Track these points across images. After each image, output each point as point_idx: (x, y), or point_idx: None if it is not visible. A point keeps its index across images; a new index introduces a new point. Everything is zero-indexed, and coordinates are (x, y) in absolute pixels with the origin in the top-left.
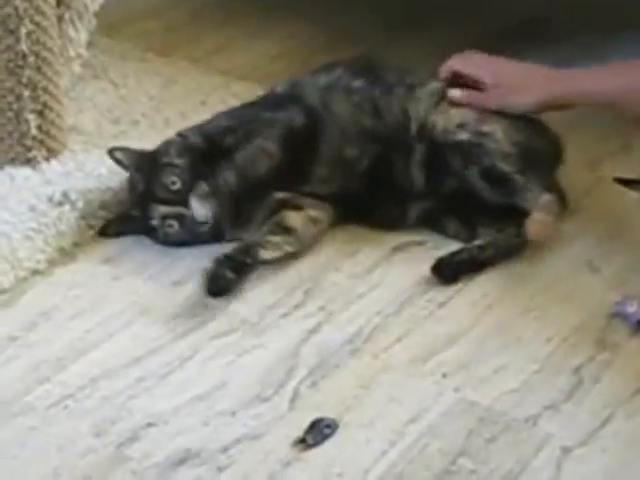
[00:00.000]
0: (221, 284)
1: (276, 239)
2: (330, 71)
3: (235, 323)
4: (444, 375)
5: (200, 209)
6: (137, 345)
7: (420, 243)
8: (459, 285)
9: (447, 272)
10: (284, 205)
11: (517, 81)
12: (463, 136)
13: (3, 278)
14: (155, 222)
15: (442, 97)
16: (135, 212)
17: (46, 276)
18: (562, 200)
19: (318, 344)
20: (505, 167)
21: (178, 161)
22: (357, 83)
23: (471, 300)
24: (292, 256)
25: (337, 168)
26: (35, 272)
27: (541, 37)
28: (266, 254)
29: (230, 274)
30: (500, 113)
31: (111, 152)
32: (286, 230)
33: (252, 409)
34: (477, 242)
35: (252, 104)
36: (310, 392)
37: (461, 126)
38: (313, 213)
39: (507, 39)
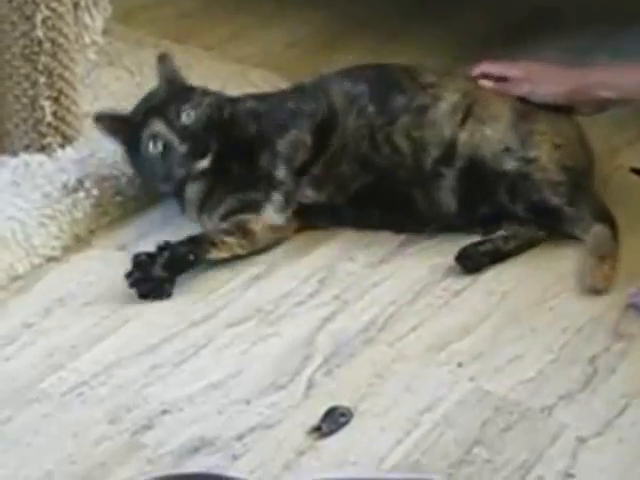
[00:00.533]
0: (149, 287)
1: (230, 240)
2: (356, 82)
3: (250, 311)
4: (459, 364)
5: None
6: (151, 333)
7: (434, 234)
8: (474, 275)
9: (470, 262)
10: (250, 205)
11: (548, 71)
12: (509, 165)
13: (18, 265)
14: (146, 134)
15: (467, 111)
16: (137, 117)
17: (61, 263)
18: (613, 225)
19: (333, 333)
20: (554, 200)
21: (202, 101)
22: (370, 108)
23: (486, 289)
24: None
25: (330, 177)
26: (50, 259)
27: (553, 27)
28: (214, 254)
29: (162, 272)
30: (540, 117)
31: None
32: (244, 232)
33: (267, 397)
34: (500, 233)
35: (279, 93)
36: (325, 381)
37: (507, 151)
38: (276, 220)
39: (519, 28)
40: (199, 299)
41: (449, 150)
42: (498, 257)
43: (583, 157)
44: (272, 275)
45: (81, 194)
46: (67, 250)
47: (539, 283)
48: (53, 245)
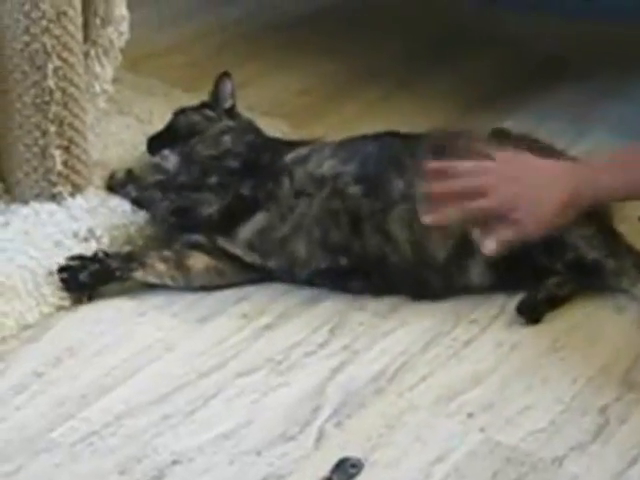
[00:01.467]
0: (74, 286)
1: (161, 268)
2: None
3: (260, 361)
4: (469, 415)
5: None
6: (162, 382)
7: None
8: (483, 325)
9: (533, 312)
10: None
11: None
12: None
13: (28, 314)
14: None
15: None
16: None
17: (70, 312)
18: None
19: (343, 383)
20: (592, 253)
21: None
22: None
23: (496, 340)
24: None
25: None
26: (60, 308)
27: (561, 75)
28: (140, 276)
29: (87, 278)
30: None
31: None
32: (180, 267)
33: (277, 448)
34: (554, 279)
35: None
36: (335, 431)
37: None
38: (221, 266)
39: (529, 77)
40: (209, 348)
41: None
42: (556, 303)
43: (606, 206)
44: (282, 325)
45: (92, 243)
46: (77, 299)
47: (549, 333)
48: (63, 295)
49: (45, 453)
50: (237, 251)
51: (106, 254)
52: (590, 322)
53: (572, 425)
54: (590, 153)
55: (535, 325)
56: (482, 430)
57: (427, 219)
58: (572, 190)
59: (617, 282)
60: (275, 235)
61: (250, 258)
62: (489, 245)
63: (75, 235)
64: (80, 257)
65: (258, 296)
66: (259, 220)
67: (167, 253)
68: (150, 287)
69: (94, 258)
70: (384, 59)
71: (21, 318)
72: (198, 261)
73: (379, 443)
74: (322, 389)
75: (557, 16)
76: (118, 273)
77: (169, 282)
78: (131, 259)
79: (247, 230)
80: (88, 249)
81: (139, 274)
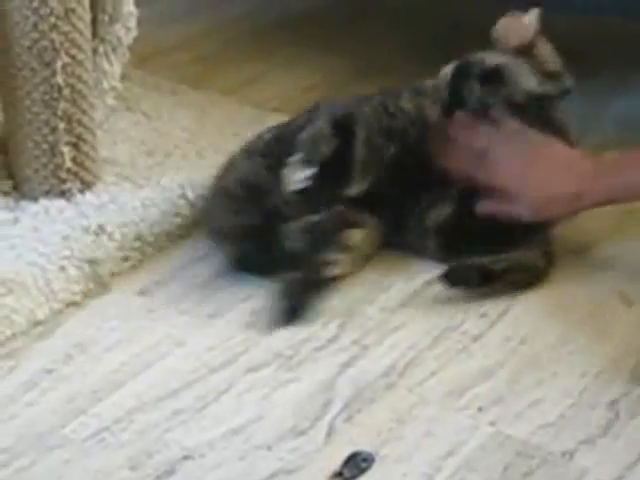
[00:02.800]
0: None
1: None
2: None
3: (269, 357)
4: (479, 409)
5: None
6: (172, 378)
7: None
8: (492, 319)
9: (456, 276)
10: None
11: (549, 193)
12: None
13: (38, 310)
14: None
15: None
16: None
17: (81, 308)
18: None
19: (353, 378)
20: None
21: None
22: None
23: (505, 334)
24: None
25: None
26: (70, 304)
27: (574, 69)
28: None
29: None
30: None
31: None
32: (349, 249)
33: (288, 443)
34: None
35: None
36: (346, 426)
37: None
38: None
39: None
40: (219, 344)
41: None
42: (487, 275)
43: None
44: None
45: (102, 239)
46: (87, 295)
47: (557, 327)
48: (73, 290)
49: (56, 449)
50: None
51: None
52: (599, 316)
53: (582, 419)
54: (598, 149)
55: (543, 319)
56: (492, 424)
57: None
58: (584, 183)
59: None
60: None
61: None
62: (482, 207)
63: (85, 231)
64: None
65: (266, 292)
66: None
67: (333, 244)
68: (157, 284)
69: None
70: (391, 54)
71: (31, 315)
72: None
73: (389, 437)
74: (332, 384)
75: (561, 13)
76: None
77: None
78: (315, 264)
79: None
80: (99, 245)
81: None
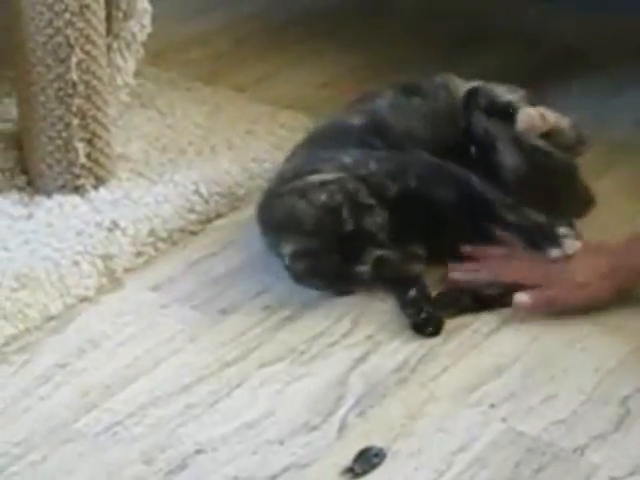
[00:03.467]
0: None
1: None
2: None
3: (282, 352)
4: (491, 405)
5: None
6: (185, 373)
7: None
8: (505, 316)
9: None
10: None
11: (587, 274)
12: None
13: (51, 305)
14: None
15: None
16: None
17: (94, 303)
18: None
19: (366, 373)
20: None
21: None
22: None
23: (517, 331)
24: None
25: None
26: (83, 299)
27: (580, 66)
28: None
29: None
30: None
31: None
32: None
33: (300, 438)
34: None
35: None
36: (358, 421)
37: None
38: None
39: (544, 69)
40: (232, 340)
41: None
42: (479, 299)
43: None
44: (305, 315)
45: (115, 234)
46: (100, 290)
47: (569, 324)
48: (87, 285)
49: (69, 443)
50: None
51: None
52: (612, 313)
53: (593, 415)
54: (615, 143)
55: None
56: (504, 420)
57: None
58: (616, 262)
59: None
60: None
61: None
62: (523, 298)
63: (98, 227)
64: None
65: (279, 288)
66: None
67: None
68: (170, 280)
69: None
70: (404, 52)
71: (45, 309)
72: None
73: (401, 433)
74: (345, 379)
75: (573, 9)
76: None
77: None
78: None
79: None
80: (112, 240)
81: None
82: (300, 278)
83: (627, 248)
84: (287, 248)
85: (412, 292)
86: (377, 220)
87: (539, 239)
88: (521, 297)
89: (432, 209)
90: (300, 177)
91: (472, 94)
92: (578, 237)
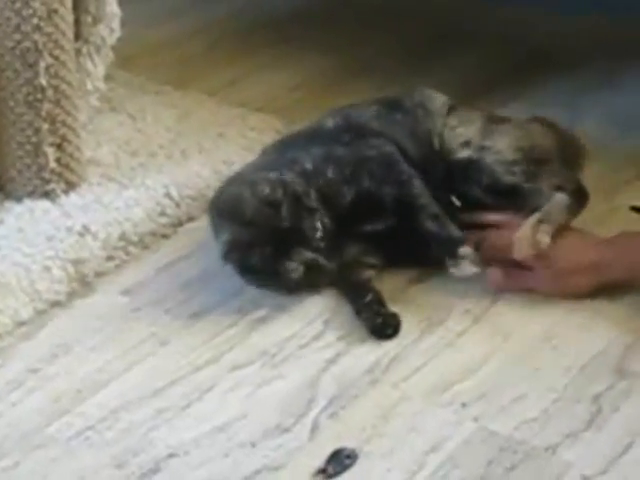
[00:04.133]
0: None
1: None
2: None
3: (254, 355)
4: (463, 405)
5: None
6: (156, 377)
7: (436, 274)
8: (476, 315)
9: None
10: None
11: (570, 262)
12: (464, 154)
13: (22, 310)
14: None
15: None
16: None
17: (65, 308)
18: (578, 197)
19: (337, 374)
20: (508, 178)
21: None
22: None
23: (489, 330)
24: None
25: None
26: (54, 304)
27: (549, 67)
28: None
29: None
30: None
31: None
32: None
33: (272, 440)
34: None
35: None
36: (330, 422)
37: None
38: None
39: (522, 69)
40: (203, 342)
41: None
42: None
43: (549, 140)
44: (276, 318)
45: (86, 239)
46: (71, 295)
47: (541, 322)
48: (58, 290)
49: (41, 448)
50: None
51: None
52: (583, 310)
53: (565, 413)
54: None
55: (527, 314)
56: (476, 420)
57: None
58: (601, 255)
59: (535, 203)
60: None
61: None
62: (494, 275)
63: (69, 231)
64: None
65: (250, 291)
66: None
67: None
68: (141, 284)
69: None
70: (376, 54)
71: (15, 315)
72: None
73: (374, 434)
74: (316, 381)
75: (543, 11)
76: None
77: None
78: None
79: None
80: (83, 245)
81: None
82: (235, 268)
83: (614, 245)
84: (224, 236)
85: (367, 297)
86: (316, 225)
87: (443, 252)
88: (495, 275)
89: (383, 212)
90: (258, 172)
91: (473, 167)
92: (476, 262)
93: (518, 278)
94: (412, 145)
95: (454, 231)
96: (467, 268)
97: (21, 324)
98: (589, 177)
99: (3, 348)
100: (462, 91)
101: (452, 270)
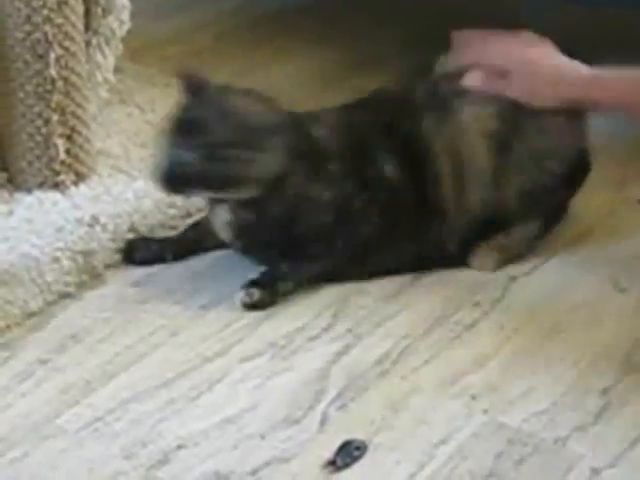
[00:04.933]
0: None
1: None
2: None
3: (263, 346)
4: (473, 397)
5: None
6: (166, 368)
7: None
8: (485, 308)
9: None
10: None
11: (546, 74)
12: None
13: (32, 302)
14: None
15: None
16: None
17: (75, 299)
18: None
19: (347, 366)
20: None
21: None
22: None
23: (498, 323)
24: None
25: None
26: (64, 295)
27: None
28: None
29: None
30: None
31: None
32: None
33: (281, 432)
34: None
35: None
36: (339, 414)
37: None
38: None
39: None
40: (212, 334)
41: None
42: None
43: None
44: (285, 310)
45: (96, 230)
46: (81, 286)
47: (550, 315)
48: (67, 281)
49: (51, 439)
50: None
51: None
52: (592, 303)
53: (574, 406)
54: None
55: (536, 307)
56: (485, 412)
57: None
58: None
59: None
60: None
61: None
62: (473, 79)
63: (78, 223)
64: None
65: None
66: None
67: None
68: (151, 275)
69: None
70: (383, 47)
71: (25, 306)
72: None
73: (383, 425)
74: (326, 373)
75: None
76: None
77: None
78: None
79: None
80: (93, 236)
81: None
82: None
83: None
84: None
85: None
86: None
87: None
88: (474, 80)
89: None
90: None
91: None
92: (255, 303)
93: (494, 83)
94: None
95: (284, 268)
96: (237, 300)
97: (31, 315)
98: (601, 168)
99: (13, 339)
100: None
101: (236, 298)
